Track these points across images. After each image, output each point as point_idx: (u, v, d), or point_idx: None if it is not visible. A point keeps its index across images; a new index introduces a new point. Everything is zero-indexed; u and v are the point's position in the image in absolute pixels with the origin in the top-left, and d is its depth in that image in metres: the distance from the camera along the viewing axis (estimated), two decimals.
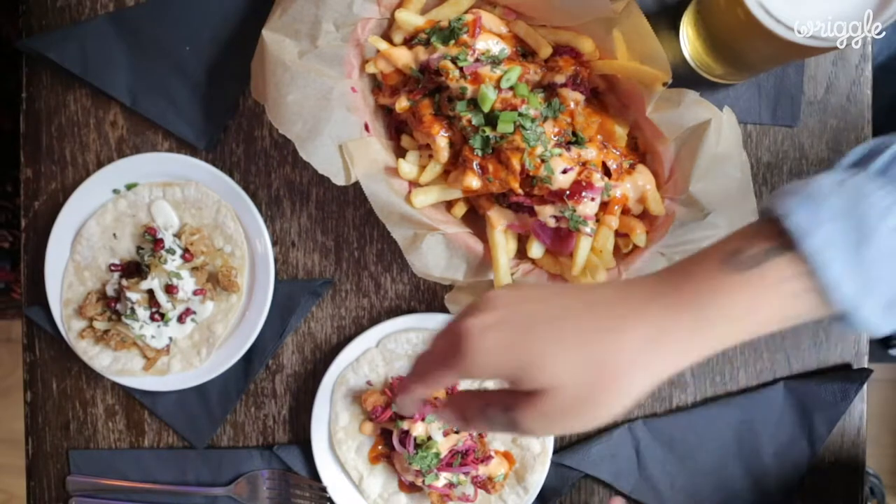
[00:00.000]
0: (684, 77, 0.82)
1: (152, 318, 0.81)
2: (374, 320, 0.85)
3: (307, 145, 0.74)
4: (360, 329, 0.85)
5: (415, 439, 0.79)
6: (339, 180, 0.75)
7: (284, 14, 0.74)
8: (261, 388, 0.86)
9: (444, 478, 0.79)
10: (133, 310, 0.80)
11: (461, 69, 0.72)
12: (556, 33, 0.75)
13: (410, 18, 0.76)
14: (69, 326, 0.83)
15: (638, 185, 0.74)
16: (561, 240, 0.73)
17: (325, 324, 0.86)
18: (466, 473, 0.80)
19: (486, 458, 0.81)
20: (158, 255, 0.80)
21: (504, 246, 0.75)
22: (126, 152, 0.85)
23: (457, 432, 0.80)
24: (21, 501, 1.31)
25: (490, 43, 0.74)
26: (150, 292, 0.80)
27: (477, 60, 0.73)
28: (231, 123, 0.85)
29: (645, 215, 0.76)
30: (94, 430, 0.87)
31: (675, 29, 0.82)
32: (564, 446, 0.85)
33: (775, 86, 0.83)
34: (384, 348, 0.83)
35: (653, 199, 0.74)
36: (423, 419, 0.79)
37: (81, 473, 0.86)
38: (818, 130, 0.84)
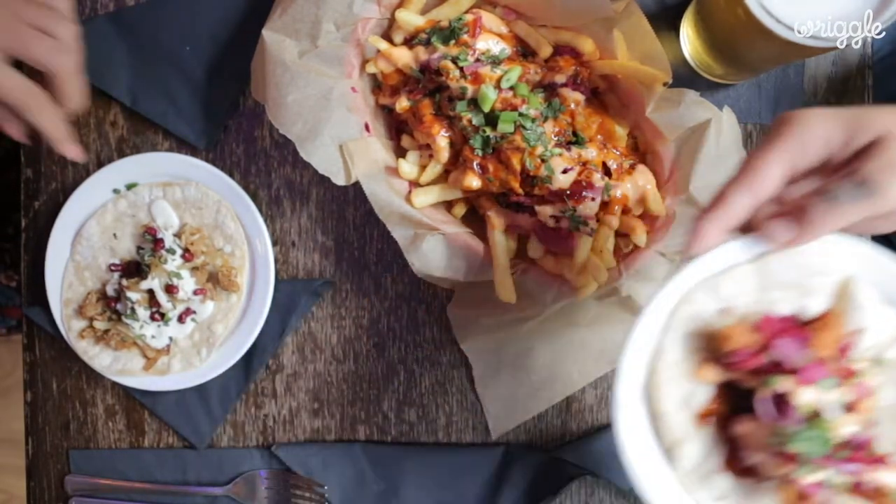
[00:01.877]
0: (684, 77, 0.82)
1: (152, 318, 0.81)
2: (375, 321, 0.86)
3: (307, 145, 0.74)
4: (360, 330, 0.85)
5: (796, 409, 0.53)
6: (339, 180, 0.75)
7: (284, 14, 0.74)
8: (261, 388, 0.86)
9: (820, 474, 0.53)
10: (133, 310, 0.80)
11: (461, 69, 0.72)
12: (557, 33, 0.75)
13: (411, 18, 0.76)
14: (69, 326, 0.83)
15: (638, 185, 0.74)
16: (561, 240, 0.74)
17: (325, 324, 0.86)
18: (853, 474, 0.54)
19: (881, 460, 0.54)
20: (158, 254, 0.80)
21: (504, 246, 0.75)
22: (126, 152, 0.85)
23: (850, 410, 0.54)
24: (21, 501, 1.31)
25: (490, 43, 0.74)
26: (151, 292, 0.80)
27: (477, 60, 0.73)
28: (231, 123, 0.85)
29: (645, 215, 0.76)
30: (94, 430, 0.87)
31: (675, 29, 0.82)
32: (565, 443, 0.85)
33: (775, 86, 0.83)
34: (765, 268, 0.56)
35: (653, 199, 0.74)
36: (813, 380, 0.53)
37: (81, 473, 0.86)
38: None
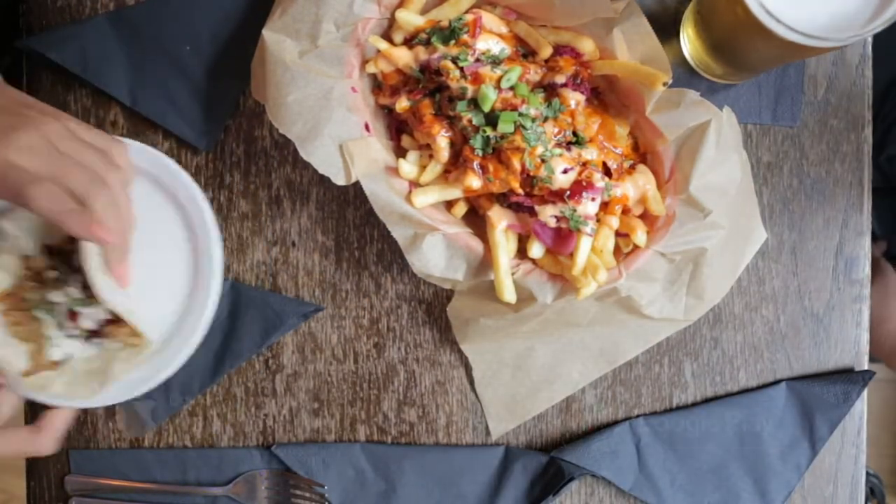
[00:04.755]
0: (684, 77, 0.82)
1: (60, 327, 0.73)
2: (375, 321, 0.86)
3: (307, 145, 0.74)
4: (360, 330, 0.85)
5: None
6: (339, 180, 0.75)
7: (284, 14, 0.74)
8: (261, 388, 0.86)
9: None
10: (50, 303, 0.72)
11: (461, 69, 0.72)
12: (557, 33, 0.75)
13: (411, 18, 0.76)
14: None
15: (638, 185, 0.74)
16: (561, 240, 0.74)
17: (325, 324, 0.86)
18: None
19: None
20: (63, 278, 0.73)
21: (504, 246, 0.75)
22: None
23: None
24: (21, 501, 1.31)
25: (490, 43, 0.74)
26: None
27: (477, 60, 0.73)
28: (231, 123, 0.85)
29: (645, 215, 0.76)
30: (94, 429, 0.87)
31: (675, 29, 0.82)
32: (565, 443, 0.85)
33: (775, 86, 0.83)
34: None
35: (653, 199, 0.74)
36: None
37: (81, 473, 0.86)
38: (818, 130, 0.84)
